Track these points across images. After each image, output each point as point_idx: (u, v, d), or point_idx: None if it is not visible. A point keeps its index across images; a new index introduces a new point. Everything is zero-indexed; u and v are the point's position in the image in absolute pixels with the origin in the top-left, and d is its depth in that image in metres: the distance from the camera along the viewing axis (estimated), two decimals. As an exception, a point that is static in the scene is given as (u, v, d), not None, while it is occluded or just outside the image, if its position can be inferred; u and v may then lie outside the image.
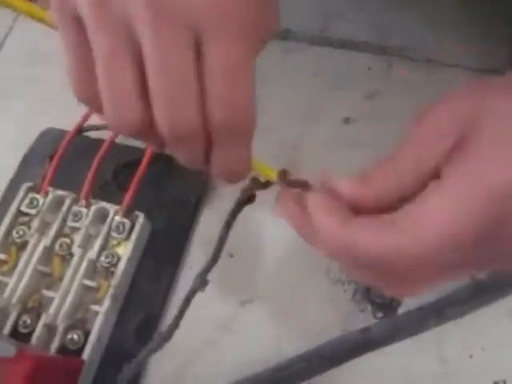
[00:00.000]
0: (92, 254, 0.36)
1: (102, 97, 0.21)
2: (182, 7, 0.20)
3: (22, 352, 0.26)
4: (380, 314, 0.35)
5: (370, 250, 0.20)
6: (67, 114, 0.44)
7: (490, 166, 0.19)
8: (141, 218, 0.37)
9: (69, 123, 0.42)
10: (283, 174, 0.25)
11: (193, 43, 0.20)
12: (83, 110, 0.41)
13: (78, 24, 0.21)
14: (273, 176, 0.26)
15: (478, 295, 0.34)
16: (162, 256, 0.38)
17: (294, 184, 0.25)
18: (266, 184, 0.26)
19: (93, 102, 0.22)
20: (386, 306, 0.35)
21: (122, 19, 0.20)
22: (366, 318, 0.36)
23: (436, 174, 0.20)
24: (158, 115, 0.20)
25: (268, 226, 0.39)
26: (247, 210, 0.40)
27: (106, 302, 0.34)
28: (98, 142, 0.40)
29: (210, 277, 0.37)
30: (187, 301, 0.28)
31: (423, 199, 0.20)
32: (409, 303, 0.35)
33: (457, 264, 0.20)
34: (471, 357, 0.35)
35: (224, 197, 0.40)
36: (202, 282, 0.28)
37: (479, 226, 0.19)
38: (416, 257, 0.20)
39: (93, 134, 0.42)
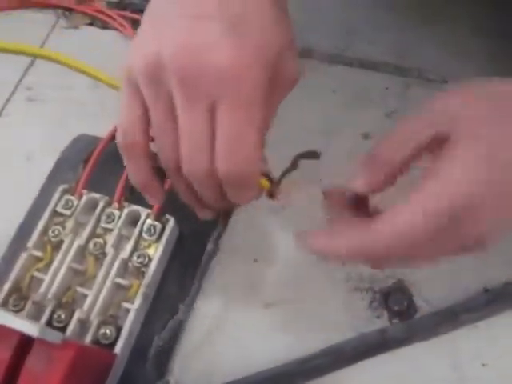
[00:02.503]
0: (124, 254, 0.37)
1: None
2: (205, 88, 0.26)
3: (67, 340, 0.28)
4: (396, 321, 0.37)
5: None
6: (95, 122, 0.46)
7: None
8: (171, 222, 0.39)
9: (96, 130, 0.45)
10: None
11: (210, 112, 0.26)
12: (112, 118, 0.44)
13: (137, 92, 0.28)
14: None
15: (492, 302, 0.36)
16: (187, 260, 0.40)
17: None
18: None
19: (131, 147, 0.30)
20: (403, 313, 0.37)
21: (168, 96, 0.27)
22: (382, 324, 0.37)
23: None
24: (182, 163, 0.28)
25: (291, 235, 0.41)
26: (271, 218, 0.42)
27: (138, 300, 0.36)
28: (129, 149, 0.42)
29: (235, 281, 0.39)
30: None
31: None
32: (425, 310, 0.37)
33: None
34: (484, 365, 0.36)
35: (248, 207, 0.42)
36: (294, 164, 0.33)
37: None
38: None
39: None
